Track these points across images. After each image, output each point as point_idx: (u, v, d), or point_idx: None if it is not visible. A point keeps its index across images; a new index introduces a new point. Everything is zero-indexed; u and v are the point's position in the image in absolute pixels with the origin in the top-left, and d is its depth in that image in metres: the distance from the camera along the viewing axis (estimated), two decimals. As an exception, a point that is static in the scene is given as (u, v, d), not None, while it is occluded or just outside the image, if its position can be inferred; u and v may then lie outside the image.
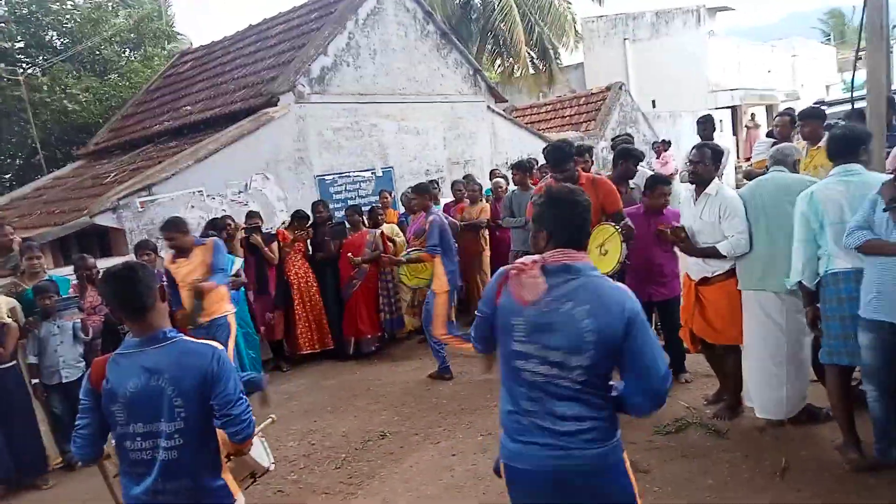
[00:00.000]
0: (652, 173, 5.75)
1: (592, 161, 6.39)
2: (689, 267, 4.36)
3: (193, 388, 2.22)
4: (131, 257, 6.12)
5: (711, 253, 4.08)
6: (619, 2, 26.47)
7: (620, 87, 15.13)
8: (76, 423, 2.36)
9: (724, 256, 4.04)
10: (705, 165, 4.16)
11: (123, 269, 2.33)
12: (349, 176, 9.29)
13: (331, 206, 8.28)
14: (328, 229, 7.19)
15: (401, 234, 7.46)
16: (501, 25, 19.06)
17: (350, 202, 8.90)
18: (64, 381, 5.05)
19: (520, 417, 2.14)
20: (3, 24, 14.91)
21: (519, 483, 2.18)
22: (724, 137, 15.62)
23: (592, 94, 15.70)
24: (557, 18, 20.01)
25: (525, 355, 2.10)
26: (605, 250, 4.26)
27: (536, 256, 2.16)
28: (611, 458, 2.10)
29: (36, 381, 5.05)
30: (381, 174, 9.69)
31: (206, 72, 11.56)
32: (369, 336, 7.18)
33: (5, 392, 4.79)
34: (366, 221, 7.35)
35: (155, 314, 2.31)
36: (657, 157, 12.48)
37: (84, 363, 5.11)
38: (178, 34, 18.51)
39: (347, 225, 7.33)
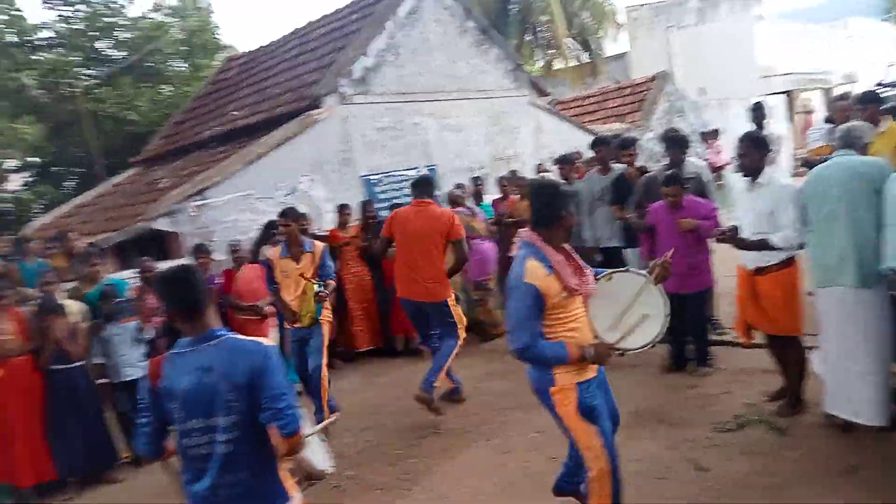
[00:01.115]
0: (667, 172, 5.62)
1: (636, 153, 6.25)
2: (745, 256, 4.24)
3: (244, 383, 2.28)
4: (187, 260, 6.33)
5: (764, 246, 3.97)
6: (662, -12, 25.82)
7: (666, 76, 14.80)
8: (139, 420, 2.47)
9: (774, 248, 3.92)
10: (751, 156, 4.05)
11: (178, 272, 2.44)
12: (394, 175, 9.36)
13: (376, 206, 8.37)
14: (373, 228, 7.27)
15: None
16: (541, 18, 18.88)
17: (395, 201, 8.96)
18: (126, 379, 5.27)
19: None
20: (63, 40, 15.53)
21: None
22: (776, 124, 15.13)
23: (637, 84, 15.40)
24: (599, 8, 19.71)
25: None
26: None
27: None
28: None
29: (103, 380, 5.27)
30: (425, 172, 9.71)
31: (251, 77, 11.81)
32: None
33: (76, 389, 5.03)
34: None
35: (207, 315, 2.39)
36: (708, 147, 12.18)
37: (145, 363, 5.29)
38: (225, 45, 18.99)
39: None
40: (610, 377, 5.33)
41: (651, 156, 11.70)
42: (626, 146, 6.15)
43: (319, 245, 5.39)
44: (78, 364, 5.07)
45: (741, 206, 4.27)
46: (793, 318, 4.05)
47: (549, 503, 3.71)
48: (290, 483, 2.49)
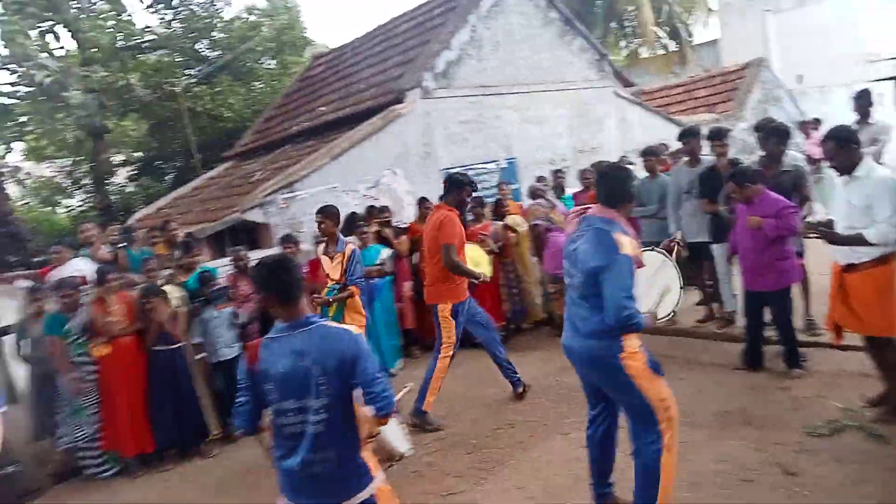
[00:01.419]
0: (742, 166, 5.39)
1: (728, 145, 6.00)
2: (837, 252, 4.02)
3: (335, 368, 2.42)
4: (276, 250, 6.64)
5: (857, 240, 3.76)
6: (758, -29, 24.50)
7: (761, 63, 14.08)
8: (236, 400, 2.64)
9: (870, 243, 3.71)
10: (840, 156, 3.87)
11: (276, 261, 2.60)
12: (473, 168, 9.41)
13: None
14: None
15: (524, 224, 7.50)
16: (627, 5, 18.36)
17: (475, 194, 9.01)
18: (222, 359, 5.62)
19: None
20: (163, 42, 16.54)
21: None
22: (885, 112, 14.10)
23: (729, 72, 14.75)
24: (689, -7, 18.99)
25: None
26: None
27: None
28: None
29: (201, 355, 5.64)
30: (505, 165, 9.73)
31: (337, 73, 12.17)
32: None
33: (175, 369, 5.40)
34: (487, 213, 7.45)
35: (300, 302, 2.54)
36: (807, 138, 11.49)
37: (238, 345, 5.63)
38: (312, 41, 19.62)
39: (471, 217, 7.45)
40: (693, 376, 5.24)
41: (744, 147, 11.18)
42: (716, 137, 5.90)
43: (351, 247, 5.41)
44: (178, 346, 5.43)
45: (837, 199, 4.05)
46: (888, 318, 3.82)
47: (625, 498, 3.68)
48: (373, 463, 2.60)
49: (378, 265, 6.70)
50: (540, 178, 8.02)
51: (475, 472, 4.32)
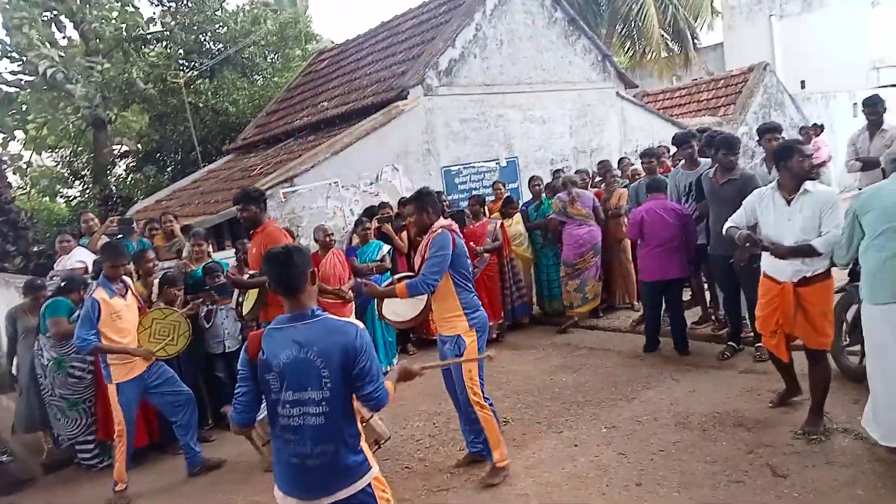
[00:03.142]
0: None
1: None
2: (780, 269, 3.98)
3: (338, 361, 2.41)
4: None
5: (805, 251, 3.80)
6: (764, -25, 24.46)
7: (765, 68, 14.07)
8: (236, 390, 2.62)
9: (820, 254, 3.81)
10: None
11: (281, 253, 2.56)
12: (474, 166, 9.42)
13: (455, 197, 8.46)
14: (448, 216, 7.35)
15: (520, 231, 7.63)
16: (632, 6, 18.34)
17: (474, 192, 9.04)
18: (227, 350, 5.67)
19: None
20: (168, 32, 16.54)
21: None
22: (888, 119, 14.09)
23: (733, 75, 14.74)
24: (694, -4, 18.96)
25: None
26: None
27: None
28: None
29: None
30: (505, 164, 9.73)
31: (341, 69, 12.16)
32: (489, 324, 7.26)
33: (178, 360, 5.42)
34: (487, 212, 7.48)
35: (305, 295, 2.52)
36: (807, 144, 11.48)
37: (241, 336, 5.66)
38: (317, 36, 19.61)
39: (469, 214, 7.47)
40: (687, 378, 5.26)
41: (745, 151, 11.20)
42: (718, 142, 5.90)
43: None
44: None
45: (777, 218, 4.02)
46: (831, 331, 3.99)
47: (617, 497, 3.70)
48: (370, 454, 2.62)
49: (378, 261, 6.73)
50: (578, 171, 8.15)
51: (467, 470, 4.32)
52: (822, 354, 4.03)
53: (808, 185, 3.90)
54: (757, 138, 5.81)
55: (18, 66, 15.13)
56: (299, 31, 18.22)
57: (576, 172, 8.09)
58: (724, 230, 4.38)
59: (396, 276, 4.77)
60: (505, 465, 4.10)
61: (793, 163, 3.88)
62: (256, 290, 4.69)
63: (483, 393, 4.05)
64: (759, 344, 5.04)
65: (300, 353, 2.41)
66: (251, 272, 4.92)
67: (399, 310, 4.16)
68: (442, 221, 4.07)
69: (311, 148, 8.90)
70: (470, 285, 4.09)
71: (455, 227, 4.14)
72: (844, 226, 3.70)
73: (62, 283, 5.45)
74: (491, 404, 4.10)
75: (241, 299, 4.98)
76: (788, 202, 3.95)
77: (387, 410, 3.49)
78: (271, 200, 7.70)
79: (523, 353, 6.78)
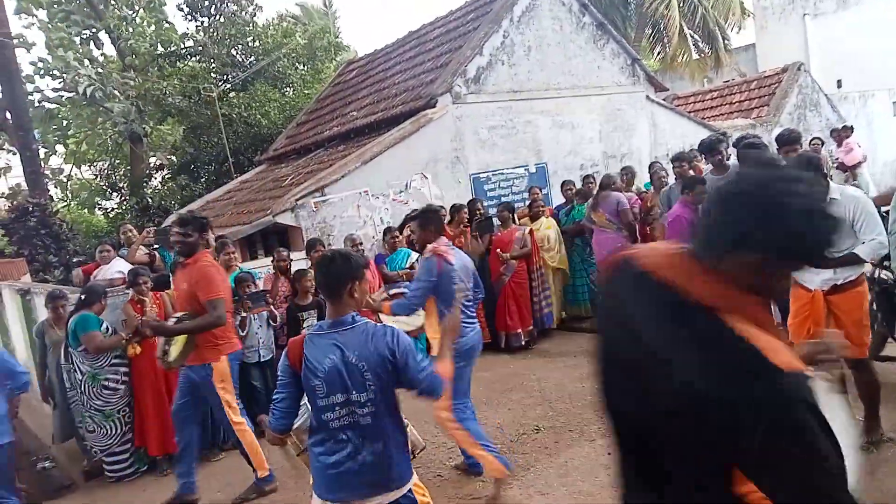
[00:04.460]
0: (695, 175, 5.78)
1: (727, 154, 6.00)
2: (810, 277, 3.85)
3: (379, 364, 2.47)
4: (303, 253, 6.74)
5: (851, 260, 3.67)
6: (797, -26, 24.00)
7: (799, 68, 13.79)
8: (274, 396, 2.67)
9: (864, 262, 3.70)
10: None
11: (323, 258, 2.68)
12: (503, 173, 9.41)
13: (485, 204, 8.44)
14: (476, 224, 7.36)
15: (554, 226, 7.59)
16: (661, 8, 18.16)
17: (503, 199, 9.02)
18: (262, 360, 5.76)
19: None
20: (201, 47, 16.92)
21: None
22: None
23: (766, 76, 14.47)
24: (724, -3, 18.69)
25: None
26: None
27: None
28: None
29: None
30: (534, 170, 9.70)
31: (369, 79, 12.28)
32: (518, 331, 7.24)
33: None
34: (516, 218, 7.46)
35: (344, 300, 2.56)
36: (839, 146, 11.21)
37: (276, 346, 5.74)
38: (346, 46, 19.85)
39: (497, 222, 7.46)
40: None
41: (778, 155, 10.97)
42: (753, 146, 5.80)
43: None
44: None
45: None
46: (867, 339, 3.88)
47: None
48: (410, 463, 2.66)
49: (407, 269, 6.77)
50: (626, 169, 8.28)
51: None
52: (862, 362, 3.91)
53: (833, 190, 3.73)
54: (777, 147, 5.69)
55: (59, 83, 15.61)
56: (328, 42, 18.48)
57: (623, 170, 8.19)
58: None
59: (391, 292, 4.81)
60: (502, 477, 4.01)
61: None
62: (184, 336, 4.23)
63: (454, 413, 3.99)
64: None
65: (343, 358, 2.47)
66: (177, 315, 4.41)
67: (404, 318, 4.20)
68: (435, 244, 4.01)
69: (341, 158, 8.99)
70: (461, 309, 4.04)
71: (444, 250, 3.98)
72: (891, 223, 3.58)
73: (82, 296, 5.47)
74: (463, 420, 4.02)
75: (166, 347, 4.34)
76: None
77: (418, 420, 3.50)
78: (302, 210, 7.81)
79: (554, 360, 6.74)
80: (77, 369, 5.35)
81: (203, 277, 4.13)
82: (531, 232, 7.35)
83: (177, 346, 4.28)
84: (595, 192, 7.38)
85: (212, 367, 4.31)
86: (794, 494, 1.14)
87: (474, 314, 4.23)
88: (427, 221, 4.11)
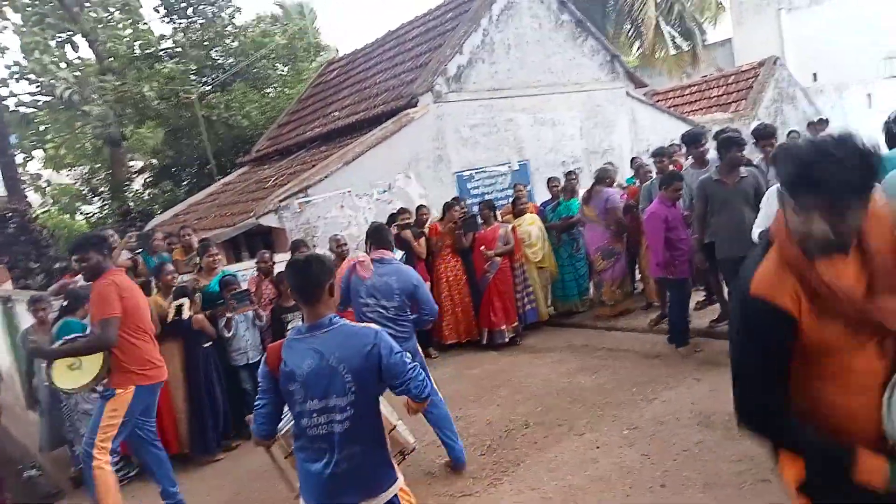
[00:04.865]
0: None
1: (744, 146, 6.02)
2: None
3: (360, 365, 2.42)
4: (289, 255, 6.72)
5: None
6: (771, -31, 24.32)
7: (775, 62, 13.99)
8: (256, 403, 2.62)
9: None
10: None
11: (298, 262, 2.58)
12: (485, 171, 9.45)
13: (469, 202, 8.48)
14: (460, 222, 7.40)
15: (538, 222, 7.64)
16: (637, 4, 18.33)
17: (487, 197, 9.06)
18: (251, 362, 5.74)
19: None
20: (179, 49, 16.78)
21: None
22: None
23: (742, 71, 14.67)
24: (700, -7, 18.91)
25: None
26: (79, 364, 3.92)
27: None
28: None
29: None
30: (517, 168, 9.75)
31: (350, 79, 12.26)
32: (502, 328, 7.28)
33: (207, 371, 5.54)
34: (498, 216, 7.51)
35: (321, 304, 2.50)
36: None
37: (264, 347, 5.72)
38: (326, 46, 19.78)
39: (480, 220, 7.50)
40: (708, 377, 5.23)
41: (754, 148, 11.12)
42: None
43: None
44: (207, 345, 5.55)
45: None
46: None
47: (642, 499, 3.69)
48: (395, 464, 2.63)
49: None
50: (551, 179, 8.17)
51: (490, 473, 4.33)
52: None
53: None
54: (753, 141, 5.77)
55: (36, 87, 15.41)
56: (308, 42, 18.41)
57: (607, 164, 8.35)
58: (757, 236, 4.25)
59: None
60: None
61: None
62: (100, 357, 3.92)
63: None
64: None
65: (322, 362, 2.41)
66: (70, 336, 4.18)
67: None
68: (361, 256, 4.47)
69: (323, 158, 8.98)
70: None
71: (358, 262, 4.41)
72: None
73: (64, 303, 5.40)
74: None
75: (48, 370, 4.07)
76: None
77: (408, 419, 3.53)
78: (286, 211, 7.78)
79: (542, 356, 6.77)
80: None
81: (97, 296, 3.88)
82: (514, 229, 7.38)
83: (86, 371, 3.94)
84: (591, 185, 7.41)
85: (114, 393, 3.96)
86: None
87: (405, 332, 4.31)
88: (367, 236, 4.68)
